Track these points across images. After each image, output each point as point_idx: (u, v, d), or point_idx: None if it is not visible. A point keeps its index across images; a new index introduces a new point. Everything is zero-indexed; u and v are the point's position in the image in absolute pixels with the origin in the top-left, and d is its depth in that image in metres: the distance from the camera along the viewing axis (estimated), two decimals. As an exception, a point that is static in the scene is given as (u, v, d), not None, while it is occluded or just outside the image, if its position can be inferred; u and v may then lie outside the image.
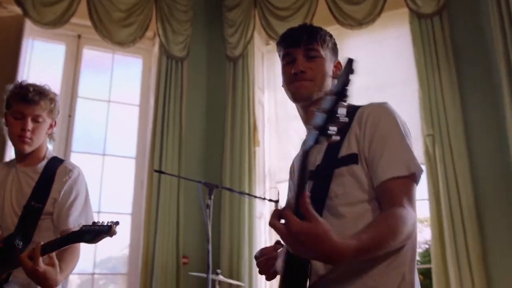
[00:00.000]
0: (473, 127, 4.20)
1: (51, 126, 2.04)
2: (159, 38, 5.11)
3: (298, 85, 1.54)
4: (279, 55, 1.64)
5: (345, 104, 1.06)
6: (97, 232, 1.60)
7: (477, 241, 3.84)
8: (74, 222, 1.89)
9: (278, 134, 5.36)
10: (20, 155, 2.01)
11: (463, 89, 4.30)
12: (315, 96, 1.53)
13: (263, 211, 4.95)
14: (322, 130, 1.05)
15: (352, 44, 5.22)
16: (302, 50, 1.53)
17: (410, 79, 4.79)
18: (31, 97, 1.91)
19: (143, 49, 5.40)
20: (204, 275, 3.23)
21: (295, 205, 1.08)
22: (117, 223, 1.61)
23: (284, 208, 1.12)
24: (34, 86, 1.93)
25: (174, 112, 5.01)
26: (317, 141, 1.07)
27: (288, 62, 1.56)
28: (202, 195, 3.14)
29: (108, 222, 1.59)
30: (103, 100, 5.24)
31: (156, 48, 5.24)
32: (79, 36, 5.08)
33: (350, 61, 1.13)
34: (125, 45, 4.97)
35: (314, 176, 1.43)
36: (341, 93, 1.06)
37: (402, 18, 4.85)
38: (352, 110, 1.48)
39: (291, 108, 5.71)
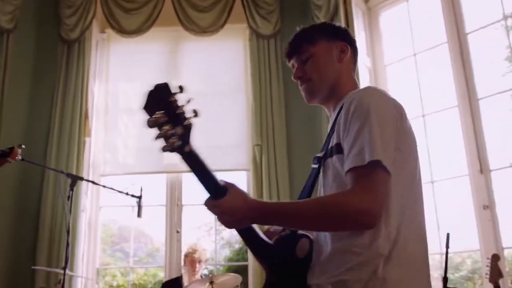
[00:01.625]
0: (294, 138, 4.82)
1: None
2: (-18, 4, 4.54)
3: (302, 90, 1.66)
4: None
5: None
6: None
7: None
8: None
9: (106, 125, 5.23)
10: None
11: (288, 104, 4.90)
12: (320, 91, 1.62)
13: (86, 205, 4.79)
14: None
15: (189, 48, 5.46)
16: (297, 57, 1.65)
17: (240, 90, 5.26)
18: None
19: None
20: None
21: None
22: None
23: None
24: None
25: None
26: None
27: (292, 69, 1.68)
28: (62, 186, 2.96)
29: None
30: None
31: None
32: None
33: (161, 87, 1.34)
34: None
35: (318, 162, 1.52)
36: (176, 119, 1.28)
37: (241, 33, 5.28)
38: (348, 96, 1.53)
39: (123, 101, 5.65)
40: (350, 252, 1.32)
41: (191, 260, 4.14)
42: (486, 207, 3.89)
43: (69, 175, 3.11)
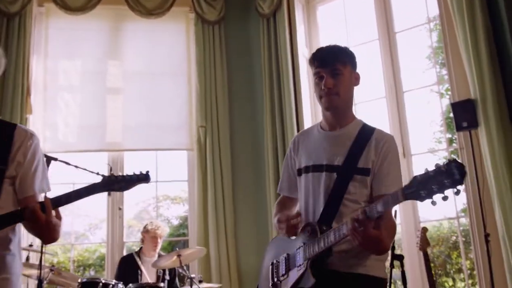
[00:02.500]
0: (236, 121, 5.11)
1: None
2: None
3: (328, 99, 1.94)
4: (312, 71, 2.01)
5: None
6: (130, 181, 1.75)
7: (231, 214, 4.76)
8: (39, 187, 1.78)
9: (45, 103, 5.16)
10: None
11: (231, 88, 5.16)
12: (340, 106, 1.97)
13: None
14: None
15: (132, 28, 5.50)
16: (329, 70, 1.92)
17: (181, 73, 5.43)
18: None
19: None
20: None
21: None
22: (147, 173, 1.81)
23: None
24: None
25: None
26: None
27: (319, 79, 1.95)
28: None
29: (141, 171, 1.76)
30: None
31: None
32: None
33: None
34: None
35: (337, 172, 1.90)
36: None
37: (184, 17, 5.42)
38: (368, 130, 1.99)
39: (62, 78, 5.58)
40: None
41: (153, 236, 4.20)
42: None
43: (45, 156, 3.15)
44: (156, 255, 4.14)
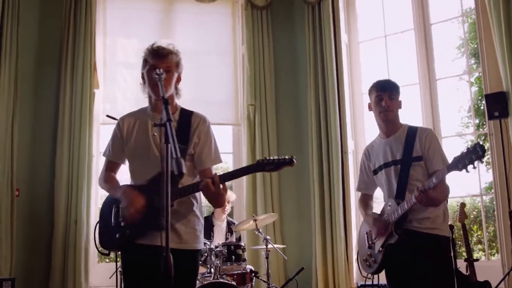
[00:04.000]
0: (281, 101, 5.60)
1: (178, 80, 2.36)
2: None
3: (386, 114, 2.67)
4: (372, 94, 2.71)
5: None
6: (278, 164, 2.21)
7: (277, 185, 5.32)
8: (212, 161, 2.32)
9: (105, 77, 5.61)
10: (155, 107, 2.31)
11: (277, 71, 5.64)
12: (392, 119, 2.71)
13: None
14: None
15: (183, 10, 5.92)
16: (387, 94, 2.65)
17: (228, 53, 5.90)
18: (162, 52, 2.25)
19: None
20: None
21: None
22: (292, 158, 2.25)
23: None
24: (161, 45, 2.29)
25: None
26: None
27: (379, 100, 2.64)
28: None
29: (287, 156, 2.25)
30: None
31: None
32: None
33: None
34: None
35: (400, 164, 2.60)
36: None
37: (231, 1, 5.85)
38: (412, 129, 2.67)
39: (121, 55, 6.02)
40: None
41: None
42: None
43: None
44: (225, 219, 4.66)
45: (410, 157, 2.58)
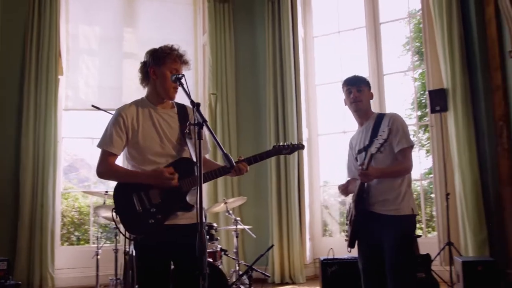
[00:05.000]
0: (241, 92, 5.90)
1: None
2: None
3: (356, 105, 2.88)
4: (344, 89, 2.93)
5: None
6: (293, 148, 2.52)
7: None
8: (208, 148, 2.62)
9: (68, 64, 5.68)
10: (158, 100, 2.44)
11: (237, 62, 5.92)
12: (363, 108, 2.89)
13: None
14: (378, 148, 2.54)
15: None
16: (355, 87, 2.88)
17: (189, 43, 6.13)
18: (186, 59, 2.45)
19: None
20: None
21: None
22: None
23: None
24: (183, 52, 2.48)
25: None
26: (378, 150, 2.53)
27: (349, 93, 2.88)
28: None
29: (298, 142, 2.56)
30: None
31: None
32: None
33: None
34: None
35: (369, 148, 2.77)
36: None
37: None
38: (380, 115, 2.87)
39: (83, 43, 6.13)
40: None
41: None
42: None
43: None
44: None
45: (373, 141, 2.76)
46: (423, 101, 6.16)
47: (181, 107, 2.49)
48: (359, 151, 2.89)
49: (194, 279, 2.10)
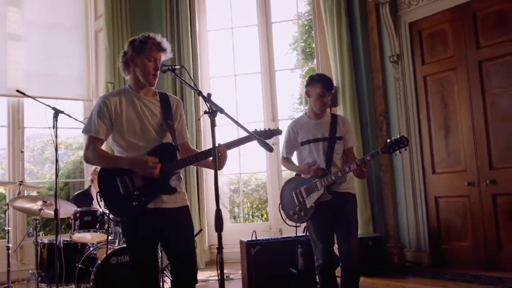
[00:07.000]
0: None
1: None
2: None
3: (325, 108, 3.20)
4: (317, 88, 3.16)
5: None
6: (270, 134, 2.57)
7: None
8: (187, 136, 2.58)
9: None
10: (140, 88, 2.46)
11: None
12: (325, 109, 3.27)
13: None
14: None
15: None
16: (329, 93, 3.16)
17: (80, 27, 5.91)
18: (163, 46, 2.44)
19: None
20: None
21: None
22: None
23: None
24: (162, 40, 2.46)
25: None
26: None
27: (322, 96, 3.13)
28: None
29: (276, 127, 2.64)
30: None
31: None
32: None
33: None
34: None
35: (327, 141, 3.15)
36: None
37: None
38: (334, 116, 3.24)
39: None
40: None
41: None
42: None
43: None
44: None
45: (334, 136, 3.21)
46: (308, 96, 6.77)
47: (162, 96, 2.55)
48: (315, 140, 3.21)
49: (187, 258, 2.27)
